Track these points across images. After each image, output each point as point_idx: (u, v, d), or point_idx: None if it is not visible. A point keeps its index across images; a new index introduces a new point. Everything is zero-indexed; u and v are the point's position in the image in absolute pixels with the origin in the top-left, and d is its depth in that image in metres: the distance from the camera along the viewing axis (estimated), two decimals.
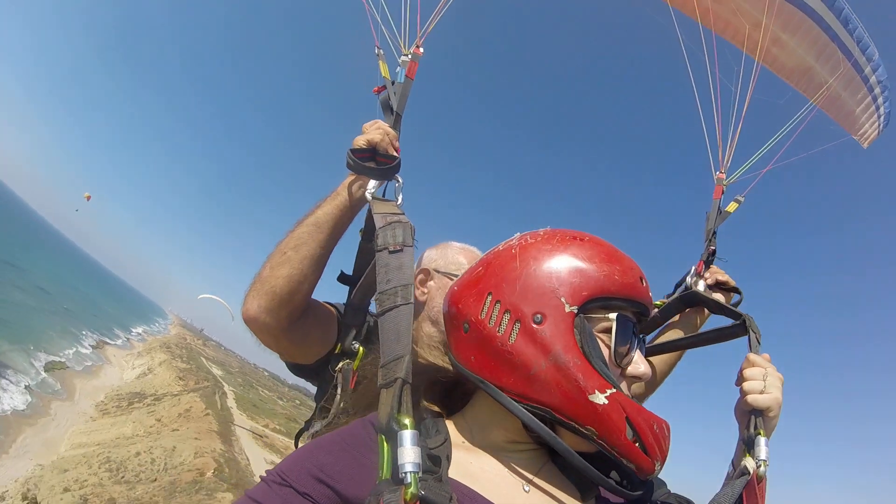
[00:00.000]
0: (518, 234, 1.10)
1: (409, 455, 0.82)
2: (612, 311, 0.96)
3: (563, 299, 0.93)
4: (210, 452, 27.79)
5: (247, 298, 1.48)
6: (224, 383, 53.43)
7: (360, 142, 1.58)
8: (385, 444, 0.86)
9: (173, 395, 38.82)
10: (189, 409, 35.59)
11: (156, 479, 21.58)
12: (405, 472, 0.80)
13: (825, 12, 2.87)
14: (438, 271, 1.80)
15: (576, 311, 0.93)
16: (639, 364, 0.97)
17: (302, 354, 1.63)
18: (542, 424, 0.91)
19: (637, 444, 0.89)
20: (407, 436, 0.84)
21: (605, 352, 0.94)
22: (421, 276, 1.84)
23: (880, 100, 3.19)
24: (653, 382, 1.94)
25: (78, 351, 36.74)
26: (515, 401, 0.93)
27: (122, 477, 20.86)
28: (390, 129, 1.65)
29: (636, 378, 0.97)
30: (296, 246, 1.49)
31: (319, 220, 1.53)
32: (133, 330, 64.67)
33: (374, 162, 1.59)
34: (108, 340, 46.78)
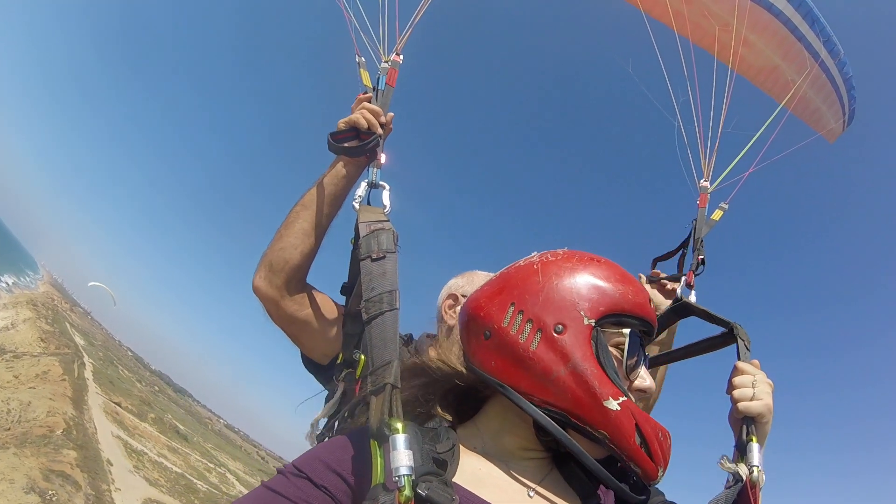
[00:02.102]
0: (536, 252, 1.15)
1: (403, 459, 0.85)
2: (625, 327, 1.03)
3: (582, 312, 1.00)
4: (62, 414, 30.34)
5: (254, 274, 1.73)
6: (85, 354, 52.96)
7: (340, 123, 1.74)
8: (377, 449, 0.89)
9: (33, 355, 39.53)
10: (47, 372, 36.88)
11: (9, 428, 24.26)
12: (399, 476, 0.83)
13: (791, 13, 2.93)
14: (466, 297, 1.81)
15: (593, 325, 1.00)
16: (645, 378, 1.06)
17: (310, 341, 1.79)
18: (557, 426, 0.97)
19: (644, 450, 0.96)
20: (399, 440, 0.87)
21: (616, 364, 1.02)
22: (449, 302, 2.02)
23: (846, 97, 3.25)
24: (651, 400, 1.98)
25: None
26: (532, 404, 0.98)
27: None
28: (373, 107, 1.76)
29: (642, 391, 1.05)
30: (287, 224, 1.73)
31: (305, 201, 1.75)
32: (1, 279, 61.67)
33: (358, 140, 1.72)
34: None
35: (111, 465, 28.96)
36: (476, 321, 1.08)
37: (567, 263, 1.07)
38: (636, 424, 0.96)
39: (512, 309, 1.03)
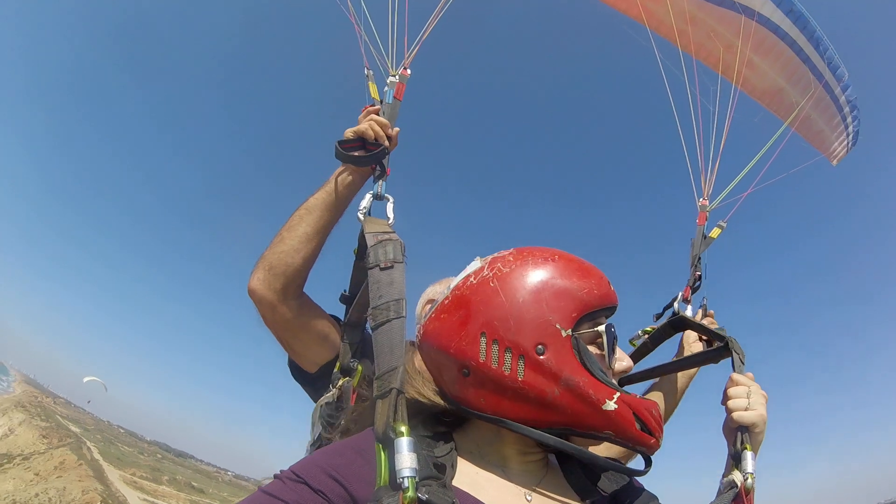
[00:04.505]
0: (479, 258, 1.12)
1: (407, 461, 0.86)
2: (599, 323, 1.03)
3: (558, 326, 0.97)
4: (94, 490, 33.58)
5: (250, 275, 1.68)
6: (85, 440, 54.93)
7: (348, 133, 1.76)
8: (382, 451, 0.91)
9: (40, 452, 41.90)
10: (63, 462, 39.55)
11: None
12: (403, 478, 0.84)
13: (797, 35, 3.00)
14: None
15: (571, 334, 0.98)
16: (623, 360, 1.07)
17: (302, 348, 1.75)
18: (566, 442, 0.98)
19: (644, 432, 0.99)
20: (403, 443, 0.89)
21: (600, 361, 1.01)
22: (429, 307, 1.97)
23: (849, 119, 3.33)
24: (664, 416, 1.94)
25: None
26: (535, 428, 0.98)
27: None
28: (381, 119, 1.78)
29: (623, 373, 1.07)
30: (290, 227, 1.70)
31: (310, 206, 1.72)
32: None
33: (364, 150, 1.74)
34: None
35: None
36: (447, 358, 1.03)
37: (523, 271, 1.02)
38: (633, 412, 0.97)
39: (484, 340, 0.98)
